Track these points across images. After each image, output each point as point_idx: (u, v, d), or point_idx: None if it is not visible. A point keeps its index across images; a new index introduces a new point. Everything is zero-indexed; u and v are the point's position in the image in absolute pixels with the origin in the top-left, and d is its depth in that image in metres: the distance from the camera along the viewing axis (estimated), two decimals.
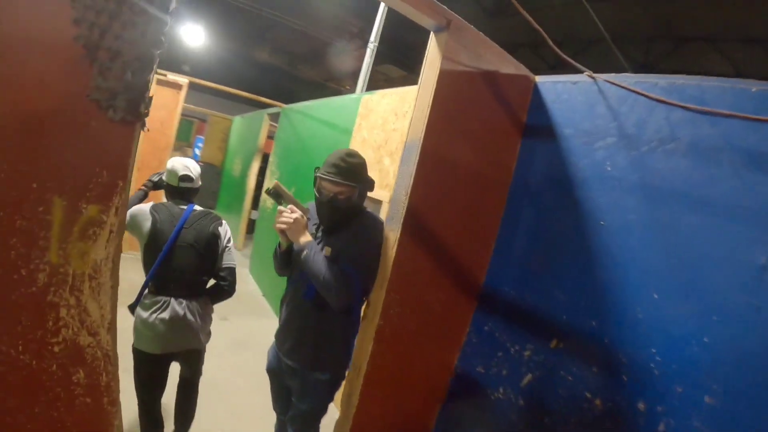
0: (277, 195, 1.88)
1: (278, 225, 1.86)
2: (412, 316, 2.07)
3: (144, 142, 5.22)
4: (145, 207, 2.36)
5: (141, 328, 2.29)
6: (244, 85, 7.96)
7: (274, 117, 7.45)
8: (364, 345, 2.01)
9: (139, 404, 2.47)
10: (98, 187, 1.24)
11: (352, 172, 1.88)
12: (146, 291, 2.31)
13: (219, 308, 2.59)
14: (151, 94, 1.24)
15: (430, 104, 1.81)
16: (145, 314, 2.28)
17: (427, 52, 1.87)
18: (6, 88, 1.11)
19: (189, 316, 2.32)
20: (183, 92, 5.76)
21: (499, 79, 2.11)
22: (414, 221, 1.91)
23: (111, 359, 1.38)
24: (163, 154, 5.52)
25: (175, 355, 2.45)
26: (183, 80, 5.83)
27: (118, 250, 1.30)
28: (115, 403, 1.42)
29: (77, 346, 1.36)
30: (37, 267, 1.29)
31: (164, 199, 2.51)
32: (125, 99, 1.19)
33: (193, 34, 9.61)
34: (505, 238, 2.28)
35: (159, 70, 5.58)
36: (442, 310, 2.24)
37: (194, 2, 8.62)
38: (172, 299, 2.28)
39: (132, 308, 2.34)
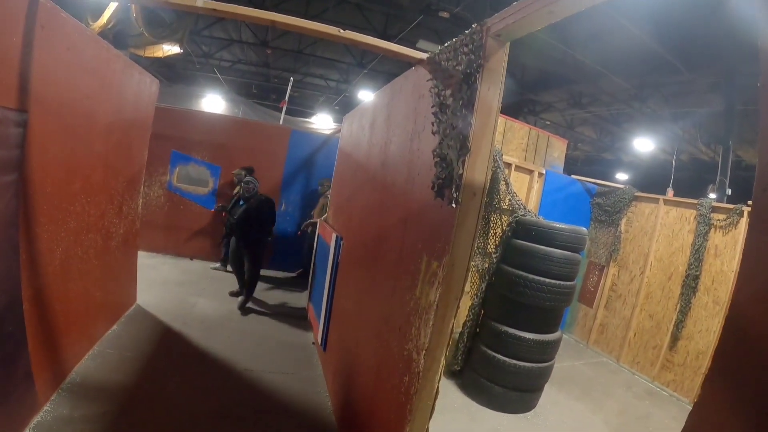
0: None
1: None
2: None
3: None
4: None
5: None
6: None
7: None
8: None
9: None
10: (437, 251, 1.79)
11: None
12: None
13: None
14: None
15: None
16: None
17: None
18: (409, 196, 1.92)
19: None
20: None
21: None
22: None
23: (420, 378, 1.84)
24: None
25: None
26: None
27: (443, 299, 1.76)
28: (412, 412, 1.85)
29: (410, 358, 1.93)
30: (411, 296, 2.00)
31: None
32: (447, 189, 1.70)
33: None
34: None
35: None
36: None
37: None
38: None
39: None
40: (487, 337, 4.14)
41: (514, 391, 3.98)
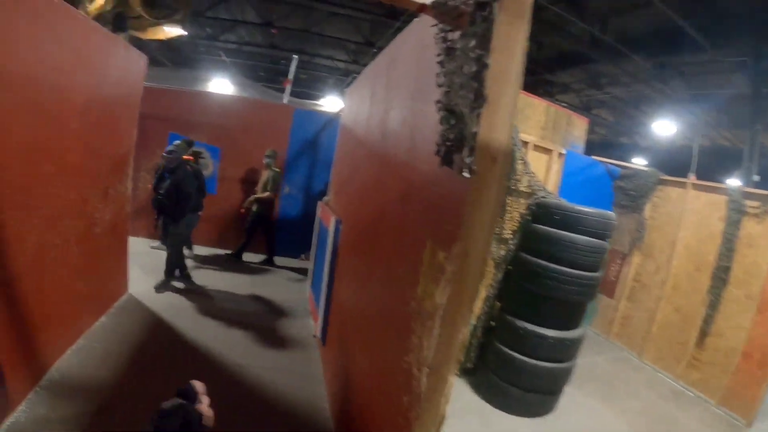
0: None
1: None
2: None
3: None
4: None
5: None
6: None
7: None
8: None
9: None
10: (444, 236, 1.44)
11: None
12: None
13: None
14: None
15: None
16: None
17: None
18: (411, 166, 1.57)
19: None
20: None
21: None
22: None
23: (422, 400, 1.50)
24: None
25: None
26: None
27: (452, 301, 1.41)
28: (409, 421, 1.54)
29: (410, 374, 1.60)
30: (412, 295, 1.67)
31: None
32: (457, 154, 1.34)
33: None
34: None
35: None
36: None
37: None
38: None
39: None
40: (504, 333, 3.79)
41: (533, 393, 3.63)
